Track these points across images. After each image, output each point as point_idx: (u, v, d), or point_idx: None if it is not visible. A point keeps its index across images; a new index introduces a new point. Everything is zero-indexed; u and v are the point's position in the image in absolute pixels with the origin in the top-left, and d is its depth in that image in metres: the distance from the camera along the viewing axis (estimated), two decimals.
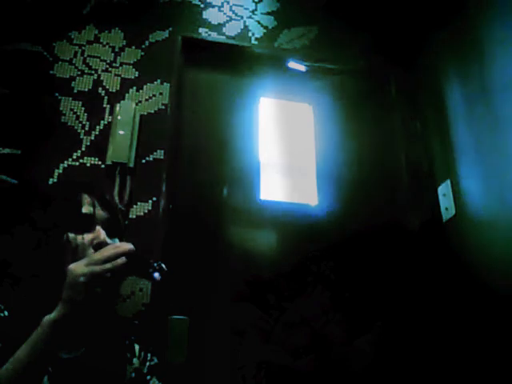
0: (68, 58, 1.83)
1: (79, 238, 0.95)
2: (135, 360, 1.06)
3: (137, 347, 1.08)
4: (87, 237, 0.96)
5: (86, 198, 1.01)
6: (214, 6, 2.06)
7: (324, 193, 1.88)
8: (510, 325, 1.42)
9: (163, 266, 0.88)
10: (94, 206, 1.00)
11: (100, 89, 1.80)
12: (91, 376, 0.94)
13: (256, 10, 2.09)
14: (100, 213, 1.01)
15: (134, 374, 1.04)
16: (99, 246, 0.91)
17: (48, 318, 0.81)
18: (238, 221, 1.78)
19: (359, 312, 1.68)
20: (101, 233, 0.96)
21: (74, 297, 0.81)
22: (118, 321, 1.17)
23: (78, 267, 0.82)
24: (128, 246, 0.86)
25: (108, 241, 0.95)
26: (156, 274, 0.87)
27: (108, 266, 0.82)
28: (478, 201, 1.63)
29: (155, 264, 0.88)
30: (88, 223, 0.98)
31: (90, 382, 0.94)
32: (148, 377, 1.06)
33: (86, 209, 0.99)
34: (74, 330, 0.83)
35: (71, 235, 0.96)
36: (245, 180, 1.84)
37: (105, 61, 1.85)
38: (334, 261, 1.74)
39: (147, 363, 1.07)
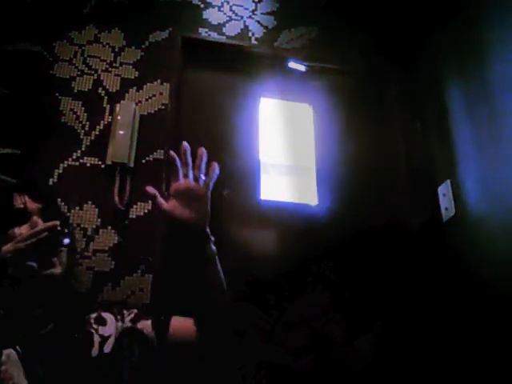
0: (68, 58, 1.83)
1: (17, 230, 1.04)
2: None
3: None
4: (24, 228, 1.05)
5: (16, 196, 1.13)
6: (214, 6, 2.06)
7: (324, 193, 1.88)
8: (509, 325, 1.42)
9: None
10: (24, 201, 1.12)
11: (100, 89, 1.80)
12: (59, 353, 0.97)
13: (256, 10, 2.09)
14: (31, 205, 1.11)
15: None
16: None
17: None
18: (238, 221, 1.78)
19: (359, 312, 1.68)
20: (37, 221, 1.05)
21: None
22: (80, 297, 1.23)
23: (6, 247, 0.94)
24: (51, 223, 0.96)
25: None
26: (66, 240, 1.00)
27: (32, 240, 0.93)
28: (478, 201, 1.63)
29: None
30: (21, 216, 1.08)
31: (58, 360, 0.96)
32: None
33: (16, 204, 1.11)
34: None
35: (12, 230, 1.05)
36: (245, 180, 1.84)
37: (105, 61, 1.85)
38: (334, 261, 1.74)
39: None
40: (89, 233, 1.58)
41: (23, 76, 1.73)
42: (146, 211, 1.64)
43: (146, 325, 1.09)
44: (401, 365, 1.62)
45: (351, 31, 2.11)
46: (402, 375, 1.61)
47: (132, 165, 1.68)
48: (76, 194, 1.61)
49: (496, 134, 1.58)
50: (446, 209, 1.77)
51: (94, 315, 1.10)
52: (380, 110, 2.08)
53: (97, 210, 1.61)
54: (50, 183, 1.62)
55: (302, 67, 2.07)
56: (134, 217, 1.63)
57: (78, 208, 1.60)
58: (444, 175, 1.82)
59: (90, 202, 1.61)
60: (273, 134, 1.98)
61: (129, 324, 1.09)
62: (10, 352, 0.92)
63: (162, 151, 1.74)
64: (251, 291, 1.64)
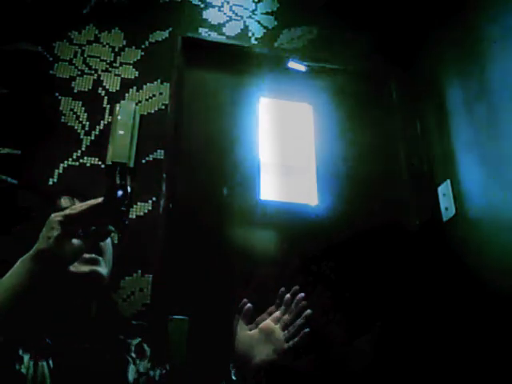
0: (68, 58, 1.83)
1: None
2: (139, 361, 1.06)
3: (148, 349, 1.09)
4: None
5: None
6: (214, 6, 2.06)
7: (324, 193, 1.88)
8: (510, 325, 1.42)
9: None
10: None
11: (100, 89, 1.80)
12: (92, 372, 0.95)
13: (256, 10, 2.09)
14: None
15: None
16: None
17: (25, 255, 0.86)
18: (238, 221, 1.78)
19: (359, 312, 1.68)
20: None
21: (49, 234, 0.84)
22: (119, 320, 1.19)
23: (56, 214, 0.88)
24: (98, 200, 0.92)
25: None
26: (119, 192, 0.94)
27: (83, 208, 0.89)
28: (478, 201, 1.63)
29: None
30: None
31: (90, 379, 0.94)
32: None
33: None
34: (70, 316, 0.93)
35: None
36: (245, 180, 1.84)
37: (105, 61, 1.85)
38: (334, 261, 1.74)
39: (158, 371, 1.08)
40: None
41: (23, 76, 1.72)
42: (146, 211, 1.64)
43: None
44: (400, 365, 1.62)
45: (351, 31, 2.11)
46: (401, 375, 1.61)
47: (132, 165, 1.68)
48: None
49: (496, 134, 1.58)
50: (446, 209, 1.77)
51: (136, 341, 1.07)
52: (380, 110, 2.08)
53: None
54: (50, 183, 1.62)
55: (302, 67, 2.07)
56: (134, 217, 1.62)
57: None
58: (444, 175, 1.82)
59: None
60: (273, 133, 1.98)
61: None
62: None
63: (162, 151, 1.74)
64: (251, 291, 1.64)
